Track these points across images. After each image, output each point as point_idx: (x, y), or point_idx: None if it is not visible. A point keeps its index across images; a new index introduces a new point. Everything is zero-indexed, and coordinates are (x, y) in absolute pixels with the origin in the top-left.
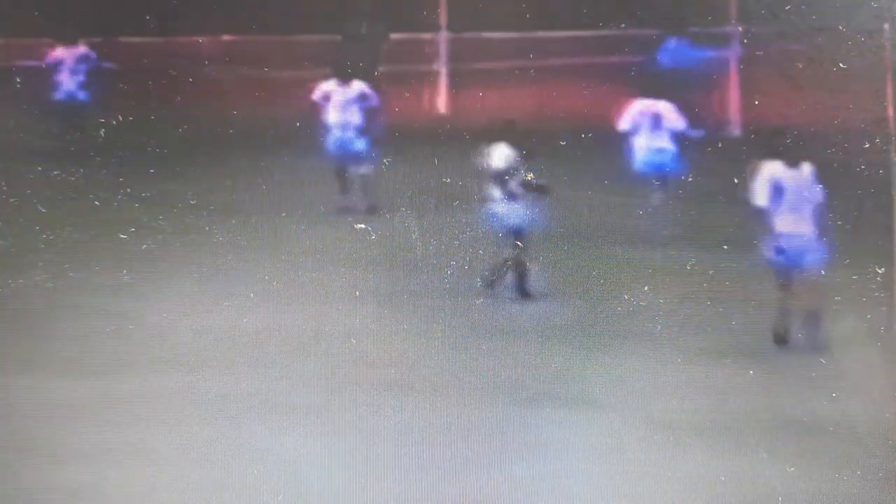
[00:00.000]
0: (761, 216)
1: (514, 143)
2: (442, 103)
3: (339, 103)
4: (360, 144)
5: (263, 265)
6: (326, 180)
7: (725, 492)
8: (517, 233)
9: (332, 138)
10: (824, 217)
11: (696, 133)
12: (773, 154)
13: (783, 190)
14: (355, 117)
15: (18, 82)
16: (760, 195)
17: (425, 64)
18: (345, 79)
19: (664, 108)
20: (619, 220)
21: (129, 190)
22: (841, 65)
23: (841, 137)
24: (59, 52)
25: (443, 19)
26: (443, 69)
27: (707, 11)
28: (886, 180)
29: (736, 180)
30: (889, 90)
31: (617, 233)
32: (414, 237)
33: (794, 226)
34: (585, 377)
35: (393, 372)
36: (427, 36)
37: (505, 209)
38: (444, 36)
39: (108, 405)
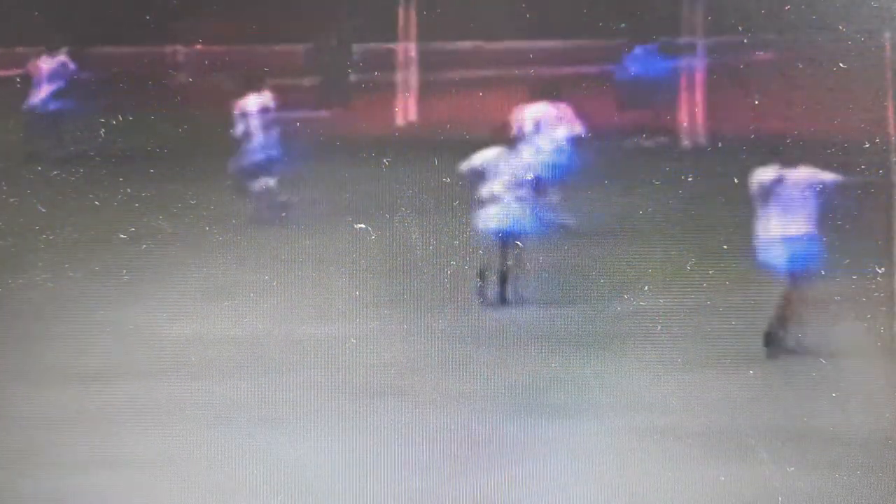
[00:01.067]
0: (760, 217)
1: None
2: (412, 111)
3: (250, 114)
4: (267, 155)
5: (263, 265)
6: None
7: (725, 492)
8: (513, 235)
9: (243, 149)
10: (824, 217)
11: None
12: (773, 155)
13: (788, 190)
14: (261, 129)
15: (18, 83)
16: (759, 196)
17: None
18: (255, 89)
19: (555, 110)
20: (619, 219)
21: (129, 190)
22: (841, 65)
23: (841, 137)
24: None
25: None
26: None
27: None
28: (886, 180)
29: (736, 180)
30: (889, 90)
31: (617, 233)
32: (414, 237)
33: (792, 228)
34: (585, 378)
35: (393, 373)
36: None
37: (497, 211)
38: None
39: (108, 407)
